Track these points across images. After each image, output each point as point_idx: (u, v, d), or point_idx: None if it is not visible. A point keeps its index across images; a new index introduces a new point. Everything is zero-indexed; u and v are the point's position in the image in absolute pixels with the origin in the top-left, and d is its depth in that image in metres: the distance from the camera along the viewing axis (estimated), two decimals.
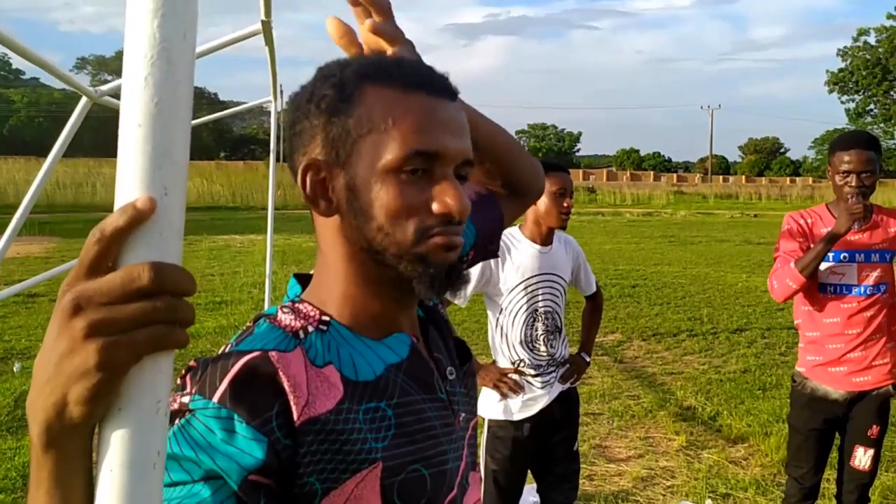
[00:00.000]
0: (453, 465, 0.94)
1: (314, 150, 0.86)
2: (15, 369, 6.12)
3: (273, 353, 0.81)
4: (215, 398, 0.76)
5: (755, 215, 30.41)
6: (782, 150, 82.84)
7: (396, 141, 0.81)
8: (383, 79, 0.84)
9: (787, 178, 62.66)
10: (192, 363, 0.82)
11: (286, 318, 0.87)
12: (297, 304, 0.90)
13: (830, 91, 56.40)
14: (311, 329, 0.86)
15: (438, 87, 0.86)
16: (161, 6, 0.51)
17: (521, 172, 1.19)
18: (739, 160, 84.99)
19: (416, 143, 0.81)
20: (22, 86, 61.30)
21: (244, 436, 0.75)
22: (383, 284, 0.88)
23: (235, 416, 0.75)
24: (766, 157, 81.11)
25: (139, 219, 0.52)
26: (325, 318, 0.88)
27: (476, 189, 1.16)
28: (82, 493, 0.57)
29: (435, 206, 0.83)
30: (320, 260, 0.92)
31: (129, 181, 0.52)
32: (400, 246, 0.83)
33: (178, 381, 0.81)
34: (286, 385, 0.79)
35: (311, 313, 0.88)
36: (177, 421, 0.76)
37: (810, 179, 52.84)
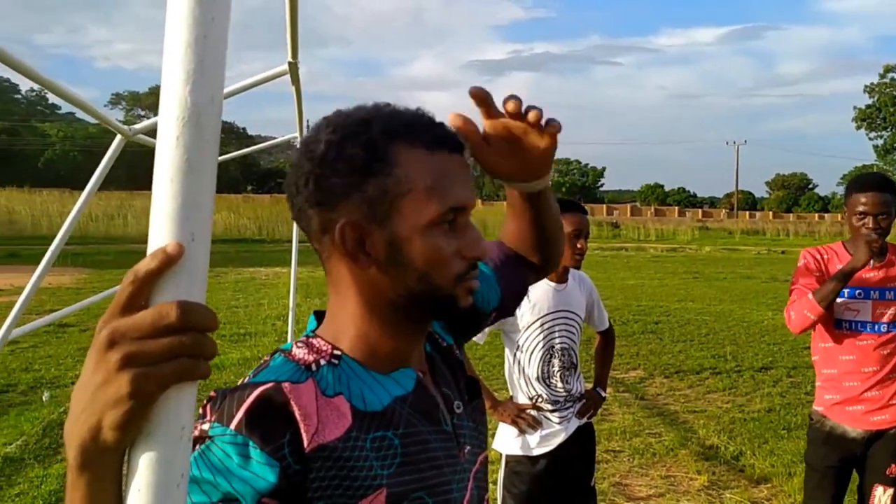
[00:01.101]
0: (457, 494, 0.99)
1: (348, 207, 0.90)
2: (44, 398, 6.18)
3: (286, 385, 0.88)
4: (232, 426, 0.83)
5: (783, 252, 29.93)
6: (811, 186, 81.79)
7: (434, 199, 0.91)
8: (410, 138, 0.91)
9: (816, 215, 61.67)
10: (212, 393, 0.89)
11: (300, 353, 0.94)
12: (311, 339, 0.97)
13: (858, 127, 55.99)
14: (322, 362, 0.93)
15: (454, 143, 0.96)
16: (192, 74, 0.58)
17: (557, 248, 1.29)
18: (767, 196, 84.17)
19: (452, 201, 0.92)
20: (58, 120, 62.77)
21: (258, 461, 0.82)
22: (399, 325, 0.96)
23: (250, 443, 0.82)
24: (794, 192, 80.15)
25: (169, 262, 0.58)
26: (337, 352, 0.95)
27: (504, 251, 1.24)
28: None
29: (469, 252, 0.94)
30: (335, 300, 0.98)
31: (161, 228, 0.59)
32: (441, 289, 0.93)
33: (200, 410, 0.88)
34: (297, 414, 0.86)
35: (324, 348, 0.95)
36: (197, 447, 0.83)
37: (839, 216, 51.85)
